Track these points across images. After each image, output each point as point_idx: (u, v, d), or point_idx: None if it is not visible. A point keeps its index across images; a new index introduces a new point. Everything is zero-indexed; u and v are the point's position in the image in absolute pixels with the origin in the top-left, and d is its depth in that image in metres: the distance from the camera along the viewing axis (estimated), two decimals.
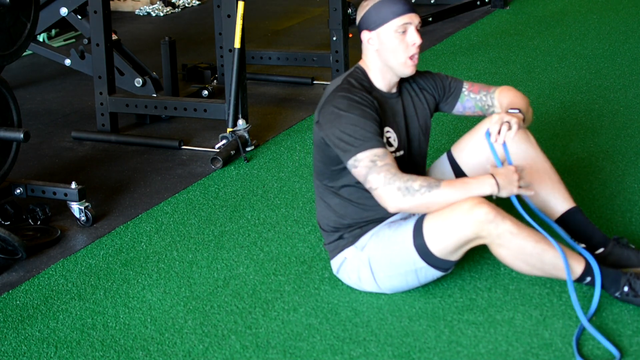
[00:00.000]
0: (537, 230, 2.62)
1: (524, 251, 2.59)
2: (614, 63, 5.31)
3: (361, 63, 2.83)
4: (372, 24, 2.73)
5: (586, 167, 3.80)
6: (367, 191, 2.73)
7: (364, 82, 2.78)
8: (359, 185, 2.75)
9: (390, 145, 2.77)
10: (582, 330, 2.59)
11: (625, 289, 2.66)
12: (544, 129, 4.26)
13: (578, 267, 2.65)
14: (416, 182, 2.57)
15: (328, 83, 4.94)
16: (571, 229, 2.88)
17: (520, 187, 2.59)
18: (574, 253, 2.67)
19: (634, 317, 2.65)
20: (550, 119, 4.40)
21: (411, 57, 2.72)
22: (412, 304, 2.78)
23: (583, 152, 3.96)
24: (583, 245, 2.88)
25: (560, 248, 2.60)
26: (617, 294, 2.68)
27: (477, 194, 2.57)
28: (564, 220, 2.87)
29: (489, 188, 2.57)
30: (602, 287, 2.67)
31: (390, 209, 2.60)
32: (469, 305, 2.77)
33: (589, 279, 2.66)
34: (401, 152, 2.81)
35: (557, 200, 2.87)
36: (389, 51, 2.73)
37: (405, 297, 2.82)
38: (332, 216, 2.83)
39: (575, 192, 3.46)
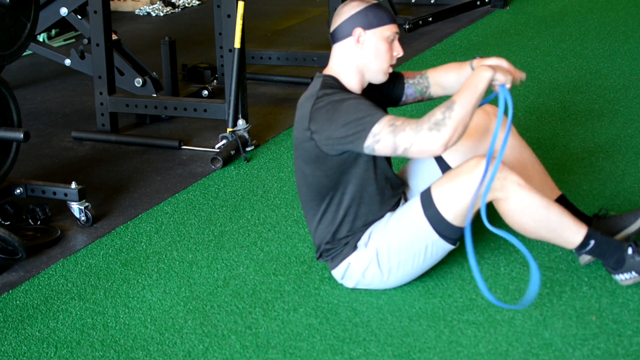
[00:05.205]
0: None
1: (531, 204, 2.64)
2: (614, 63, 5.30)
3: (329, 71, 2.78)
4: (367, 24, 2.70)
5: (586, 167, 3.80)
6: (370, 185, 2.74)
7: (339, 87, 2.75)
8: (366, 177, 2.74)
9: None
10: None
11: (630, 250, 2.74)
12: (544, 129, 4.26)
13: (579, 235, 2.71)
14: (436, 114, 2.54)
15: None
16: None
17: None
18: (575, 220, 2.71)
19: (634, 317, 2.66)
20: (550, 119, 4.40)
21: (392, 66, 2.76)
22: (412, 304, 2.78)
23: (583, 152, 3.96)
24: None
25: (526, 251, 2.57)
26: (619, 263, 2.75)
27: (482, 87, 2.57)
28: None
29: (487, 74, 2.58)
30: (604, 257, 2.74)
31: (437, 151, 2.54)
32: (469, 305, 2.77)
33: (592, 242, 2.71)
34: None
35: (545, 192, 2.95)
36: (374, 55, 2.71)
37: (405, 297, 2.82)
38: (339, 234, 2.81)
39: (575, 192, 3.46)
